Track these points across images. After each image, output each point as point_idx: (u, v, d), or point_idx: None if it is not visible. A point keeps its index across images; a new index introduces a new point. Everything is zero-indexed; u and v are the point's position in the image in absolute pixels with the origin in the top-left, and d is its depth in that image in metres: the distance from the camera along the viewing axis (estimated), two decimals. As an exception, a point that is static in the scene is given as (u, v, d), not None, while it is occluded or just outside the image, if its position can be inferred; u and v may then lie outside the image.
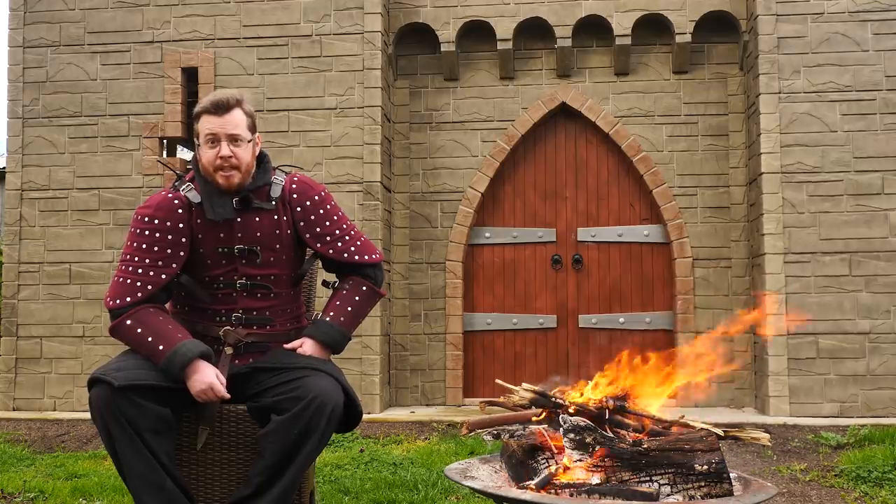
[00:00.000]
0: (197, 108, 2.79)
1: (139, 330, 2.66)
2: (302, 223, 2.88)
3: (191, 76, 7.05)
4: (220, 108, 2.74)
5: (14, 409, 6.91)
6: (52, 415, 6.63)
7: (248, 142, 2.78)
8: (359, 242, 2.97)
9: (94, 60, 7.09)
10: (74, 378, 6.87)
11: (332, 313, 2.88)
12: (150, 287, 2.71)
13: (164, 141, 7.15)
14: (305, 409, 2.57)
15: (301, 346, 2.82)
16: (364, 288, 2.95)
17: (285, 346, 2.83)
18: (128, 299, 2.70)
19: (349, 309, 2.90)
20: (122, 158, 7.02)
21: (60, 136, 7.08)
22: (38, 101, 7.11)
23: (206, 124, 2.75)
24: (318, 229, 2.90)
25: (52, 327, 6.94)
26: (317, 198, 2.92)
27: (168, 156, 7.35)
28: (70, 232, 7.00)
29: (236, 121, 2.75)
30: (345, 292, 2.93)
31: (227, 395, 2.65)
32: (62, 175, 7.04)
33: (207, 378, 2.61)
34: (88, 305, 6.92)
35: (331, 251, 2.91)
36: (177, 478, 2.61)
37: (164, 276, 2.73)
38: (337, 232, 2.93)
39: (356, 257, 2.95)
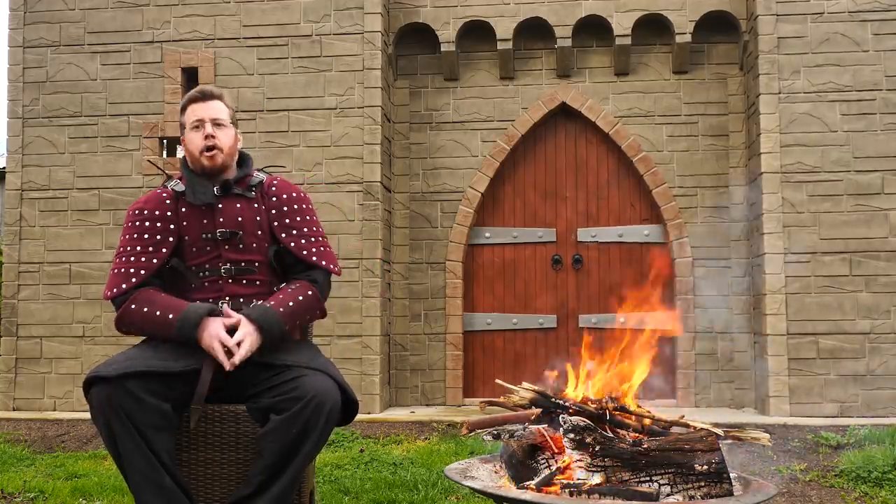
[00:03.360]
0: (183, 101, 3.01)
1: (145, 309, 2.75)
2: (274, 211, 2.97)
3: (191, 76, 7.04)
4: (206, 95, 2.97)
5: (14, 409, 6.91)
6: (52, 415, 6.63)
7: (230, 125, 2.97)
8: (322, 248, 2.97)
9: (94, 60, 7.09)
10: (74, 378, 6.87)
11: (272, 302, 2.82)
12: (143, 272, 2.82)
13: (164, 141, 7.15)
14: (304, 408, 2.58)
15: (237, 321, 2.72)
16: (310, 293, 2.88)
17: (224, 321, 2.72)
18: (123, 286, 2.80)
19: (290, 304, 2.82)
20: (122, 158, 7.02)
21: (60, 136, 7.08)
22: (38, 101, 7.11)
23: (191, 111, 2.95)
24: (287, 221, 2.96)
25: (52, 327, 6.94)
26: (294, 195, 3.03)
27: (168, 156, 7.34)
28: (70, 232, 7.00)
29: (219, 107, 2.96)
30: (290, 290, 2.87)
31: (234, 344, 2.65)
32: (62, 175, 7.04)
33: (214, 330, 2.67)
34: (88, 305, 6.92)
35: (292, 244, 2.92)
36: (177, 477, 2.61)
37: (155, 261, 2.83)
38: (305, 230, 2.97)
39: (314, 258, 2.93)
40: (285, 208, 2.98)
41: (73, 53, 7.11)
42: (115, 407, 2.53)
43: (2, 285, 7.51)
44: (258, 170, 3.09)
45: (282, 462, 2.60)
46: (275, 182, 3.04)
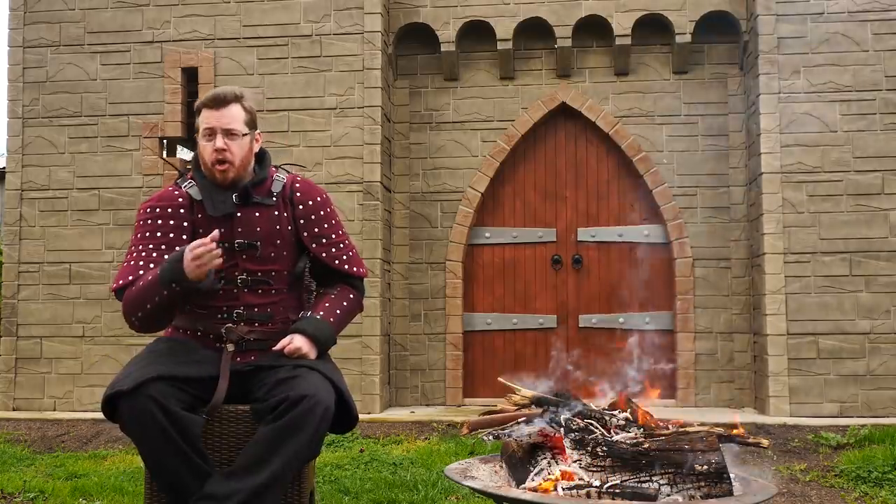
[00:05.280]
0: (197, 104, 2.87)
1: (136, 284, 2.72)
2: (302, 220, 2.93)
3: (191, 76, 7.05)
4: (218, 102, 2.81)
5: (14, 409, 6.90)
6: (52, 415, 6.63)
7: (244, 136, 2.83)
8: (350, 253, 3.03)
9: (94, 60, 7.09)
10: (74, 378, 6.87)
11: (321, 312, 2.88)
12: (151, 265, 2.76)
13: (164, 141, 7.15)
14: (292, 406, 2.54)
15: (290, 343, 2.78)
16: (352, 296, 3.00)
17: (274, 348, 2.78)
18: (130, 278, 2.76)
19: (338, 311, 2.92)
20: (122, 158, 7.02)
21: (60, 136, 7.08)
22: (38, 101, 7.11)
23: (203, 118, 2.82)
24: (316, 230, 2.94)
25: (52, 327, 6.94)
26: (319, 199, 2.98)
27: (168, 156, 7.34)
28: (70, 232, 7.00)
29: (233, 115, 2.81)
30: (333, 296, 2.96)
31: (213, 241, 2.62)
32: (62, 175, 7.04)
33: (187, 252, 2.60)
34: (88, 305, 6.92)
35: (324, 254, 2.95)
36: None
37: (166, 257, 2.72)
38: (333, 237, 2.98)
39: (346, 266, 2.99)
40: (312, 216, 2.93)
41: (73, 53, 7.11)
42: (146, 419, 2.50)
43: (2, 285, 7.51)
44: (276, 167, 3.00)
45: (266, 456, 2.54)
46: (297, 183, 2.96)
